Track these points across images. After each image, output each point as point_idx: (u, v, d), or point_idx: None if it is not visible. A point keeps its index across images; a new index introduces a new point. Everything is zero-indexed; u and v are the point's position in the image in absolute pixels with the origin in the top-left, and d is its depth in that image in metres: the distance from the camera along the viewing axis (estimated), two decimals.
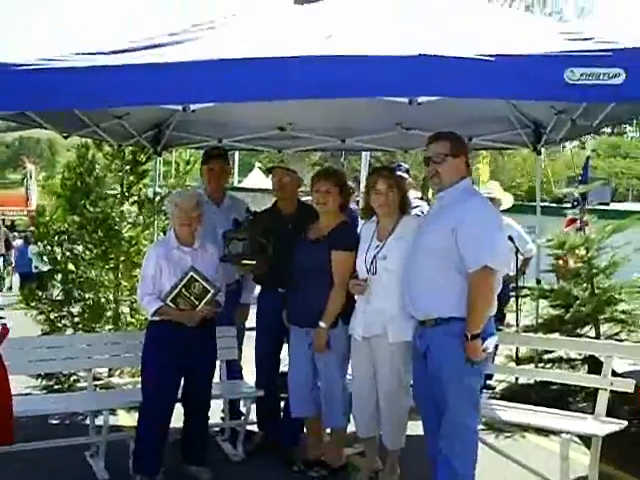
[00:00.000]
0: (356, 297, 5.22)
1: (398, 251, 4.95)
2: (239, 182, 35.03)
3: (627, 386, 5.03)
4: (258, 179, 31.75)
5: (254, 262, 5.86)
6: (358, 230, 5.48)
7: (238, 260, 5.85)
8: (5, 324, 4.58)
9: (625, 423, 5.00)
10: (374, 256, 5.06)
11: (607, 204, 21.66)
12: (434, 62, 4.10)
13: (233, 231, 5.90)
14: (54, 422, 6.79)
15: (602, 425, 4.99)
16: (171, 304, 5.27)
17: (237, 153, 24.40)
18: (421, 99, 4.38)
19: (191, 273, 5.29)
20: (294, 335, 5.64)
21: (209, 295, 5.32)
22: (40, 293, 8.30)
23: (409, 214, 5.31)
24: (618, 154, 50.82)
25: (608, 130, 45.57)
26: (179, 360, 5.28)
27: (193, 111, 4.50)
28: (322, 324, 5.29)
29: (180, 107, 4.53)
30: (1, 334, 4.53)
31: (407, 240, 4.90)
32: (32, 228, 15.83)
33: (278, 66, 4.22)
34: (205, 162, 6.35)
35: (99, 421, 5.75)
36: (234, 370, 6.42)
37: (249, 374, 6.43)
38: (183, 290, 5.27)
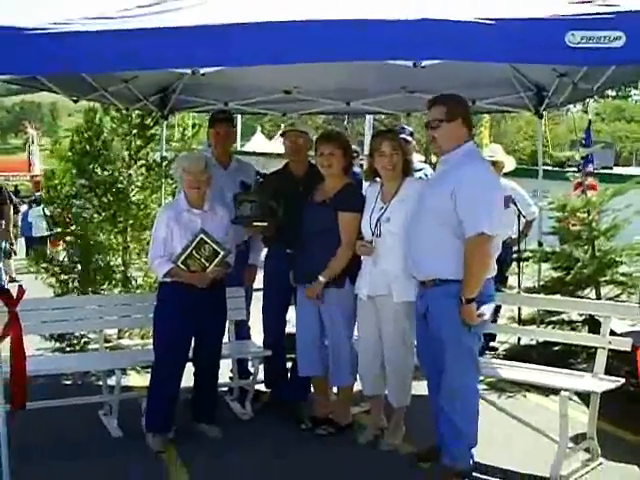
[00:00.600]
0: (362, 258, 5.34)
1: (401, 213, 5.06)
2: (242, 146, 35.09)
3: (625, 345, 5.15)
4: (261, 143, 31.82)
5: (264, 224, 5.98)
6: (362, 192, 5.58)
7: (249, 222, 5.96)
8: (21, 285, 4.70)
9: (622, 381, 5.11)
10: (378, 218, 5.18)
11: (610, 168, 21.65)
12: (437, 26, 4.17)
13: (243, 193, 6.00)
14: (66, 382, 6.97)
15: (600, 382, 5.11)
16: (182, 266, 5.37)
17: (240, 117, 24.38)
18: (425, 62, 4.47)
19: (201, 235, 5.38)
20: (301, 295, 5.76)
21: (219, 257, 5.42)
22: (50, 256, 8.42)
23: (412, 176, 5.41)
24: (622, 117, 50.60)
25: (612, 93, 45.36)
26: (190, 320, 5.39)
27: (203, 74, 4.59)
28: (321, 278, 5.41)
29: (189, 71, 4.62)
30: (18, 295, 4.66)
31: (410, 202, 5.01)
32: (38, 193, 15.98)
33: (283, 30, 4.29)
34: (211, 125, 6.41)
35: (111, 381, 5.91)
36: (242, 331, 6.56)
37: (257, 334, 6.58)
38: (194, 252, 5.37)
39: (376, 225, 5.17)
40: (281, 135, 6.54)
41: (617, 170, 22.66)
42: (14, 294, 4.65)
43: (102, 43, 4.33)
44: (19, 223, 15.56)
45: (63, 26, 4.41)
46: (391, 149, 5.20)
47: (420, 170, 7.56)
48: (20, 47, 4.25)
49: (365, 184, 5.66)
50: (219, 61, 4.49)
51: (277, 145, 31.11)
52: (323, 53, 4.37)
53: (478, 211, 4.48)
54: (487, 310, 4.62)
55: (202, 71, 4.56)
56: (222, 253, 5.43)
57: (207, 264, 5.41)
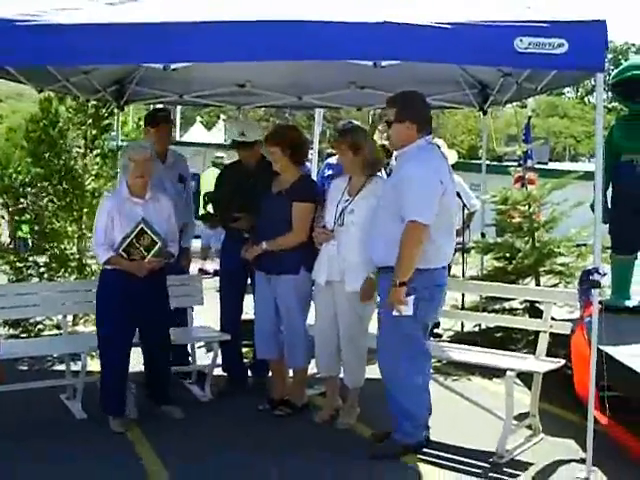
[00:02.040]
0: (318, 245, 5.59)
1: (365, 207, 5.36)
2: (181, 136, 34.91)
3: (564, 328, 5.50)
4: (200, 133, 31.72)
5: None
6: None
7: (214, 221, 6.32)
8: None
9: (562, 362, 5.47)
10: (342, 209, 5.45)
11: (546, 163, 22.22)
12: (397, 29, 4.48)
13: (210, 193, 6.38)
14: (22, 368, 7.05)
15: (542, 363, 5.45)
16: (123, 254, 5.51)
17: (179, 107, 24.35)
18: (384, 63, 4.75)
19: (141, 225, 5.51)
20: (259, 282, 5.99)
21: (156, 247, 5.56)
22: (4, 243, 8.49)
23: (379, 175, 5.73)
24: (556, 114, 51.66)
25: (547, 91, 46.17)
26: (131, 306, 5.51)
27: (173, 69, 4.79)
28: (264, 244, 5.69)
29: (161, 66, 4.82)
30: None
31: (373, 199, 5.31)
32: None
33: (243, 29, 4.55)
34: (153, 124, 6.58)
35: (74, 366, 6.11)
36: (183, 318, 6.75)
37: (211, 321, 6.84)
38: (134, 241, 5.50)
39: (340, 215, 5.44)
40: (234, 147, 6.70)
41: (552, 165, 23.29)
42: None
43: (69, 37, 4.53)
44: None
45: (29, 18, 4.58)
46: (341, 151, 5.54)
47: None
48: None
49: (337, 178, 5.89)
50: (186, 58, 4.73)
51: (216, 135, 31.14)
52: (285, 52, 4.64)
53: (413, 200, 4.75)
54: (410, 301, 4.85)
55: (173, 67, 4.77)
56: (159, 243, 5.56)
57: (146, 253, 5.56)
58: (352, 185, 5.53)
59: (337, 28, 4.52)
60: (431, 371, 5.37)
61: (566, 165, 27.73)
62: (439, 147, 5.20)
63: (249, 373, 6.76)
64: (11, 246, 8.68)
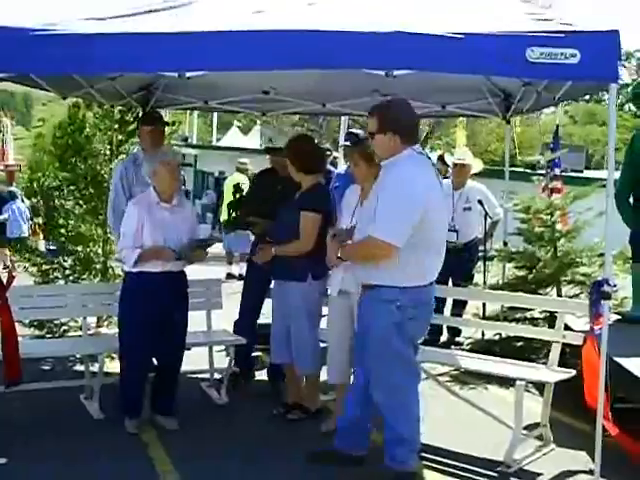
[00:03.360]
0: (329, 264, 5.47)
1: None
2: (217, 140, 35.19)
3: (577, 339, 5.48)
4: (236, 138, 31.97)
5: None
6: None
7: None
8: (11, 271, 4.95)
9: (574, 372, 5.46)
10: (356, 219, 5.32)
11: (581, 171, 21.99)
12: (408, 38, 4.52)
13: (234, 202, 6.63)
14: (45, 367, 7.21)
15: (553, 373, 5.46)
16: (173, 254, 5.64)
17: (216, 112, 24.63)
18: (397, 72, 4.79)
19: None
20: (275, 287, 6.09)
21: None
22: (32, 246, 8.65)
23: None
24: (594, 121, 51.16)
25: (586, 97, 45.85)
26: (154, 310, 5.58)
27: (188, 78, 4.89)
28: (272, 249, 5.76)
29: (176, 74, 4.93)
30: (8, 280, 4.93)
31: None
32: (12, 187, 15.99)
33: (257, 39, 4.63)
34: (147, 124, 6.66)
35: (92, 367, 6.22)
36: None
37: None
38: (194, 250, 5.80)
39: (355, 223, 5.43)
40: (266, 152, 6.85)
41: (587, 173, 23.01)
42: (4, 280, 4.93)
43: (93, 46, 4.65)
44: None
45: (55, 28, 4.71)
46: (353, 161, 5.54)
47: None
48: (21, 48, 4.53)
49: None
50: (203, 66, 4.82)
51: (252, 140, 31.39)
52: (300, 62, 4.70)
53: (385, 218, 4.49)
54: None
55: (187, 75, 4.86)
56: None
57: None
58: (365, 194, 5.53)
59: (349, 38, 4.58)
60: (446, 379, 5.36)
61: (602, 173, 27.37)
62: (429, 157, 5.02)
63: (265, 377, 6.86)
64: (43, 250, 8.80)
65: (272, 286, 6.32)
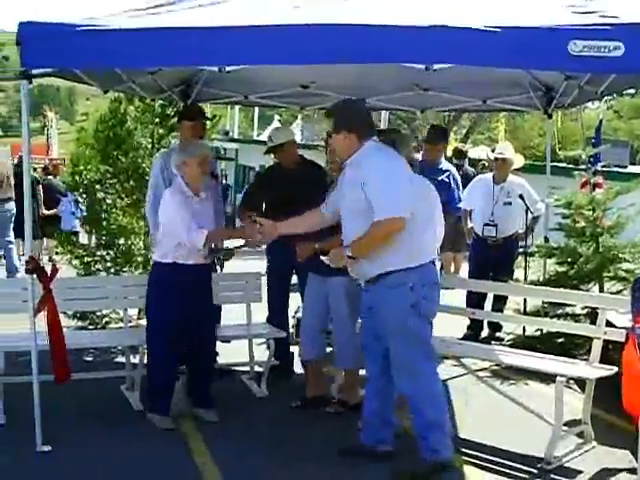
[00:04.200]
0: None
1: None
2: (258, 135, 35.30)
3: (619, 335, 5.43)
4: None
5: None
6: None
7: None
8: (55, 264, 5.02)
9: (615, 369, 5.40)
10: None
11: (625, 166, 21.66)
12: (447, 32, 4.49)
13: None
14: (87, 358, 7.34)
15: (594, 370, 5.41)
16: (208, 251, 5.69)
17: (256, 107, 24.72)
18: (437, 66, 4.76)
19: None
20: (312, 282, 6.06)
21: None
22: (74, 239, 8.77)
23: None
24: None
25: (631, 91, 45.21)
26: (187, 300, 5.58)
27: (228, 72, 4.92)
28: (316, 245, 5.44)
29: (216, 68, 4.96)
30: (52, 273, 5.00)
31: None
32: (59, 178, 16.28)
33: (305, 33, 4.64)
34: (188, 118, 6.60)
35: (134, 359, 6.30)
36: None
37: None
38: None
39: None
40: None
41: (632, 169, 22.65)
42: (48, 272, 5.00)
43: (137, 40, 4.71)
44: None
45: (99, 23, 4.77)
46: None
47: (446, 172, 7.84)
48: (66, 43, 4.60)
49: None
50: (244, 60, 4.85)
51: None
52: (340, 56, 4.70)
53: (383, 199, 4.60)
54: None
55: (228, 69, 4.89)
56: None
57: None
58: None
59: (389, 32, 4.56)
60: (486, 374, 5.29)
61: None
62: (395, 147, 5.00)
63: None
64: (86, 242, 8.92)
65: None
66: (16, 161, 14.50)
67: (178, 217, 5.53)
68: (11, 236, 12.25)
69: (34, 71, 4.82)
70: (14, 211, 12.03)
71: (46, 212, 15.42)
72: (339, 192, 5.04)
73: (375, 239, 4.71)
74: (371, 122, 5.05)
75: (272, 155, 6.78)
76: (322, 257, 5.17)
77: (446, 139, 9.18)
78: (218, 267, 7.20)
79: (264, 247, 6.89)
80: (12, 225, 12.19)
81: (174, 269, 5.61)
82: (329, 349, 6.18)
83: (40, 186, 15.09)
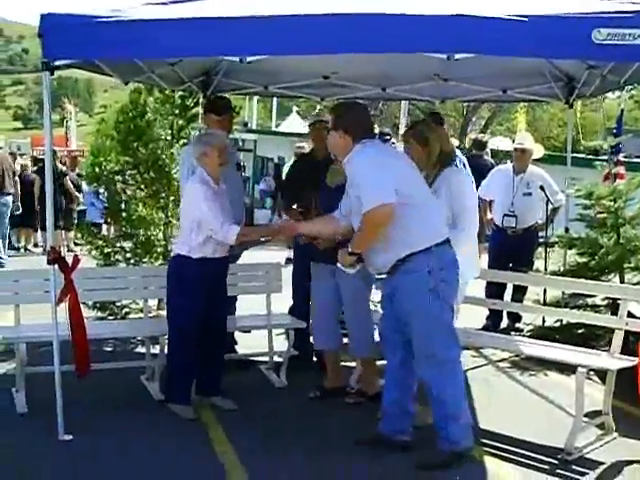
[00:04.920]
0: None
1: (438, 197, 5.34)
2: (277, 126, 35.30)
3: None
4: (296, 123, 31.99)
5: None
6: None
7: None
8: (76, 254, 5.05)
9: (637, 360, 5.36)
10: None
11: None
12: (469, 21, 4.47)
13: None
14: (107, 349, 7.38)
15: (616, 361, 5.38)
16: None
17: (275, 97, 24.69)
18: (458, 56, 4.75)
19: None
20: (321, 274, 6.02)
21: None
22: (95, 230, 8.82)
23: (450, 166, 5.62)
24: None
25: None
26: (206, 294, 5.61)
27: (249, 62, 4.92)
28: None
29: (237, 59, 4.97)
30: (73, 264, 5.03)
31: (446, 189, 5.40)
32: (78, 170, 16.45)
33: (326, 23, 4.64)
34: (216, 112, 6.54)
35: (153, 349, 6.35)
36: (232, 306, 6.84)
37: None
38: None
39: None
40: (309, 126, 6.84)
41: None
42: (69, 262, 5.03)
43: (157, 31, 4.73)
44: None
45: (121, 14, 4.79)
46: (409, 143, 5.51)
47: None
48: (86, 34, 4.62)
49: None
50: (266, 50, 4.85)
51: None
52: (362, 45, 4.70)
53: (368, 189, 4.66)
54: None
55: (249, 59, 4.90)
56: None
57: None
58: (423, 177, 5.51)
59: (411, 21, 4.55)
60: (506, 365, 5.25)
61: None
62: (393, 143, 5.12)
63: None
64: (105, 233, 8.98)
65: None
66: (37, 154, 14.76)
67: (209, 210, 5.48)
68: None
69: (56, 62, 4.86)
70: (10, 205, 12.32)
71: (77, 207, 15.68)
72: (346, 193, 5.10)
73: (367, 231, 4.76)
74: (369, 127, 5.11)
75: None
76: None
77: (442, 125, 9.11)
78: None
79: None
80: (6, 220, 12.46)
81: (200, 263, 5.58)
82: (346, 340, 6.17)
83: (67, 177, 15.25)
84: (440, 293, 4.74)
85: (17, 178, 14.04)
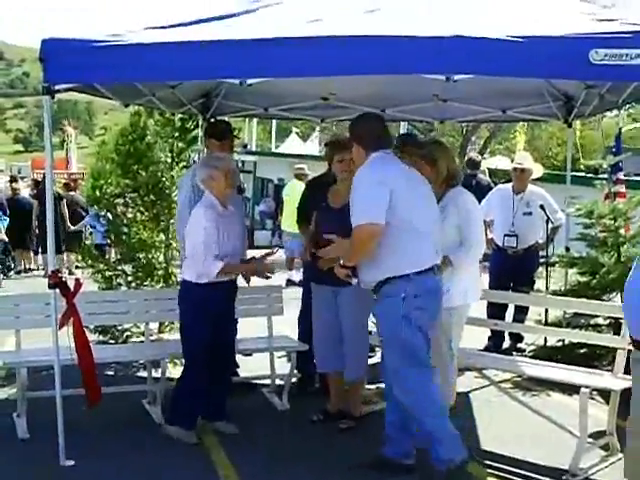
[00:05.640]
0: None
1: (445, 215, 5.38)
2: (276, 147, 35.40)
3: None
4: (295, 144, 32.10)
5: None
6: None
7: None
8: (78, 278, 5.04)
9: None
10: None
11: None
12: (469, 43, 4.49)
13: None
14: (109, 373, 7.35)
15: (619, 381, 5.37)
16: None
17: (275, 119, 24.75)
18: (457, 77, 4.76)
19: None
20: (322, 295, 6.00)
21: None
22: (96, 253, 8.81)
23: (456, 186, 5.67)
24: None
25: None
26: (216, 321, 5.58)
27: (249, 85, 4.94)
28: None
29: (237, 81, 4.98)
30: (75, 287, 5.02)
31: (453, 207, 5.47)
32: (78, 193, 16.53)
33: (325, 45, 4.65)
34: (217, 137, 6.53)
35: (155, 373, 6.32)
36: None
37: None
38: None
39: None
40: (325, 145, 6.83)
41: None
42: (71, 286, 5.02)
43: (157, 55, 4.74)
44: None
45: (120, 38, 4.81)
46: (418, 163, 5.45)
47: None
48: (86, 59, 4.65)
49: None
50: (266, 73, 4.87)
51: (311, 147, 31.49)
52: (361, 67, 4.71)
53: (359, 205, 4.77)
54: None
55: (249, 82, 4.91)
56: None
57: None
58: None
59: (409, 42, 4.56)
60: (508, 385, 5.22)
61: None
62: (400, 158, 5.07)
63: None
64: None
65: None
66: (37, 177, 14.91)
67: (204, 240, 5.44)
68: None
69: (57, 86, 4.88)
70: None
71: (72, 227, 15.69)
72: None
73: (354, 246, 4.82)
74: (382, 135, 5.03)
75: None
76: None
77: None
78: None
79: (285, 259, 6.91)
80: None
81: (206, 288, 5.54)
82: None
83: (63, 201, 15.34)
84: (413, 320, 4.76)
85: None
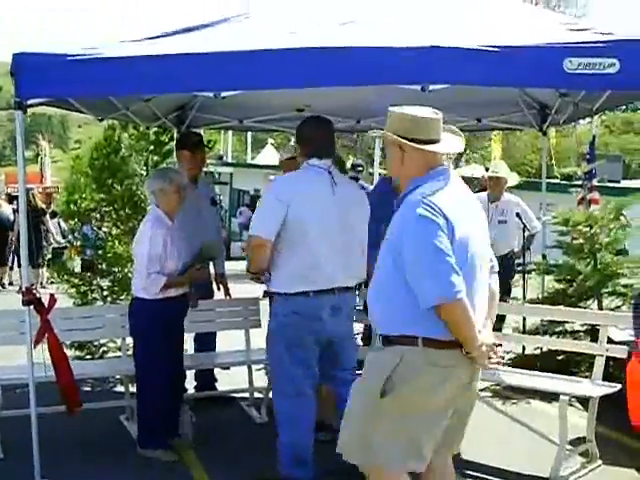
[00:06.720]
0: None
1: None
2: (252, 158, 35.36)
3: (620, 352, 5.41)
4: (271, 155, 32.08)
5: None
6: None
7: None
8: (52, 294, 4.97)
9: (619, 386, 5.36)
10: None
11: (618, 181, 21.73)
12: (445, 52, 4.49)
13: None
14: (86, 388, 7.25)
15: (597, 387, 5.38)
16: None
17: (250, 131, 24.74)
18: (432, 87, 4.76)
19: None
20: None
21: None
22: (70, 268, 8.72)
23: None
24: (632, 130, 50.60)
25: (622, 107, 45.41)
26: (170, 336, 5.51)
27: (223, 97, 4.91)
28: None
29: (211, 94, 4.95)
30: (49, 303, 4.95)
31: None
32: (53, 207, 16.39)
33: (291, 57, 4.64)
34: (188, 148, 6.56)
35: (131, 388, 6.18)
36: (210, 341, 6.89)
37: None
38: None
39: None
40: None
41: (625, 183, 22.69)
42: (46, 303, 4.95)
43: (131, 68, 4.70)
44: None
45: (94, 52, 4.77)
46: None
47: None
48: (58, 72, 4.60)
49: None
50: (240, 86, 4.83)
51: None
52: (337, 78, 4.69)
53: (256, 218, 4.92)
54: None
55: (223, 94, 4.88)
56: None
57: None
58: None
59: (385, 53, 4.56)
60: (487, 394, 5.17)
61: None
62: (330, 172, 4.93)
63: None
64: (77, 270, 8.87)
65: None
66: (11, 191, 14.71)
67: (152, 250, 5.35)
68: None
69: (29, 101, 4.81)
70: None
71: (62, 241, 15.57)
72: None
73: (248, 253, 4.94)
74: (321, 142, 4.99)
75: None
76: None
77: None
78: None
79: None
80: None
81: (166, 305, 5.43)
82: None
83: (47, 216, 15.18)
84: (281, 337, 4.85)
85: None
